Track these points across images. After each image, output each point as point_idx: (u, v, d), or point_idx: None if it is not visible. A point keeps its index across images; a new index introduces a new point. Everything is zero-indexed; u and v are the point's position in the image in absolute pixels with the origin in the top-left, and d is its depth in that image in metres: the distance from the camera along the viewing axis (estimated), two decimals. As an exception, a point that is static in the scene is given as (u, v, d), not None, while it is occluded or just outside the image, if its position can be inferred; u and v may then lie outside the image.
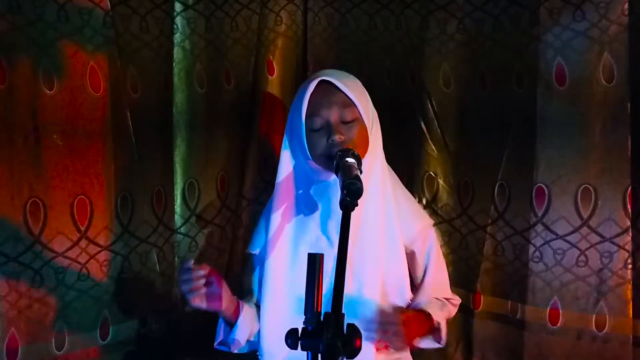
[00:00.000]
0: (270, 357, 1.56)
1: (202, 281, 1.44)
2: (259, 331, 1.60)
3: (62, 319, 1.65)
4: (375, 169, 1.54)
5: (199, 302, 1.46)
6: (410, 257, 1.61)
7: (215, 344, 1.60)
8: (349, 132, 1.49)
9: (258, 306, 1.62)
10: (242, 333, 1.55)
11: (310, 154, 1.50)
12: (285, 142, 1.58)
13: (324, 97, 1.49)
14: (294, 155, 1.57)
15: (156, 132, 1.83)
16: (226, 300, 1.50)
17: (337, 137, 1.46)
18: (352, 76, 1.57)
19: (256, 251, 1.67)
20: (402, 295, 1.57)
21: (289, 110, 1.59)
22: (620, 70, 1.71)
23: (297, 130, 1.52)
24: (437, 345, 1.58)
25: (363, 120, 1.51)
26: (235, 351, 1.61)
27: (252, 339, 1.60)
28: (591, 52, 1.73)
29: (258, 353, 1.60)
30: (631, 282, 1.75)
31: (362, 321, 1.37)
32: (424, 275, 1.64)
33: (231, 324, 1.55)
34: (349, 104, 1.50)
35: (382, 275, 1.54)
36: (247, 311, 1.56)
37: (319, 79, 1.50)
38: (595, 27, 1.72)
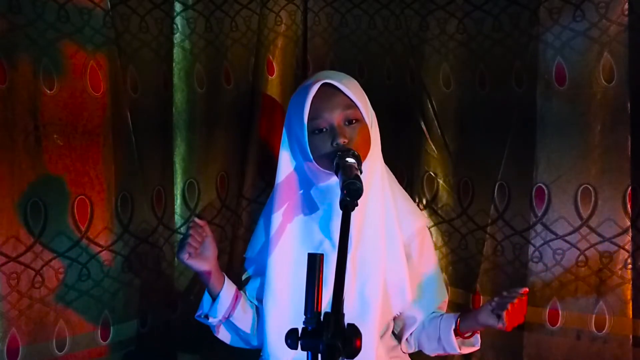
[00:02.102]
0: None
1: (199, 239, 1.48)
2: (254, 330, 1.61)
3: (63, 319, 1.65)
4: (376, 169, 1.54)
5: (188, 258, 1.47)
6: (407, 256, 1.61)
7: (196, 315, 1.60)
8: (353, 133, 1.48)
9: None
10: (222, 304, 1.55)
11: (313, 156, 1.49)
12: (283, 144, 1.56)
13: (325, 99, 1.47)
14: (293, 157, 1.56)
15: (156, 132, 1.83)
16: (213, 264, 1.52)
17: (341, 140, 1.44)
18: (350, 77, 1.57)
19: (250, 255, 1.68)
20: (403, 296, 1.57)
21: (288, 111, 1.59)
22: (620, 70, 1.71)
23: (297, 133, 1.51)
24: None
25: (365, 121, 1.51)
26: (217, 333, 1.61)
27: (231, 318, 1.58)
28: (591, 52, 1.73)
29: (262, 355, 1.60)
30: (631, 282, 1.75)
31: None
32: (422, 276, 1.64)
33: (213, 296, 1.56)
34: (351, 105, 1.49)
35: (383, 275, 1.53)
36: (230, 285, 1.57)
37: (321, 81, 1.48)
38: (595, 27, 1.72)
